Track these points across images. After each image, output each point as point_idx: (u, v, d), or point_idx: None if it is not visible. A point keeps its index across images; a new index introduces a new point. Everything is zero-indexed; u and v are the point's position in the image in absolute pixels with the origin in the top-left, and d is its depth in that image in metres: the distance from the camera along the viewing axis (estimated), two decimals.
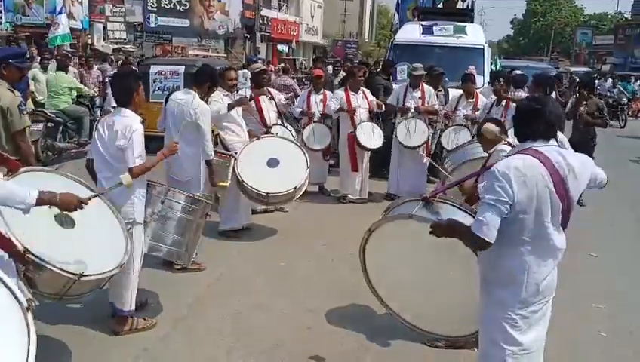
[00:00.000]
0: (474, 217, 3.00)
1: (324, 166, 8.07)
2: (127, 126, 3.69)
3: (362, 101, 7.58)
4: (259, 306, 4.57)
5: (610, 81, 22.30)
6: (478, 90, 8.05)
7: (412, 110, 7.67)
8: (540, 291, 2.62)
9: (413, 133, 7.59)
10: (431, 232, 2.76)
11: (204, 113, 4.97)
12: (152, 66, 10.46)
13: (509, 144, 3.80)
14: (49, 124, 9.10)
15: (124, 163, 3.68)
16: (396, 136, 7.72)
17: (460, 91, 7.95)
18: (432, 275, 3.30)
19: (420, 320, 3.72)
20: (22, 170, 3.03)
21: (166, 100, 5.20)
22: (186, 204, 4.13)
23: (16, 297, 2.27)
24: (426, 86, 7.92)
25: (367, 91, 7.79)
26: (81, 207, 2.98)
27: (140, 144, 3.69)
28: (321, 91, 8.05)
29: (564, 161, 2.57)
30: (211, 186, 5.22)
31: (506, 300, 2.63)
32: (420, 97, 7.76)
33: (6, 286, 2.29)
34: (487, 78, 9.56)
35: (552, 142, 2.64)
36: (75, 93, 10.08)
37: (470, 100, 7.74)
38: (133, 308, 3.99)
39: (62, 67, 10.28)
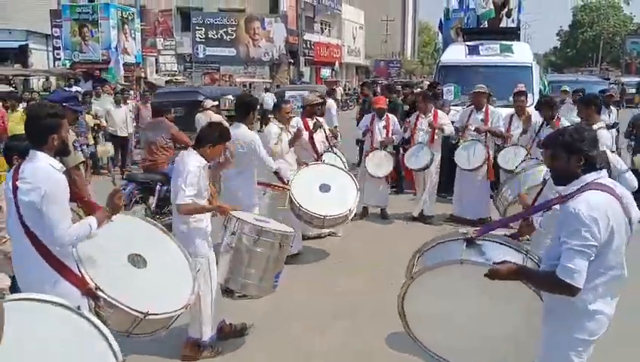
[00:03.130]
0: (519, 251, 2.97)
1: (385, 189, 8.21)
2: (185, 165, 3.89)
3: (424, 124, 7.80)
4: (318, 331, 4.67)
5: None
6: (528, 108, 7.99)
7: (472, 131, 7.68)
8: (607, 323, 2.63)
9: (472, 156, 7.57)
10: (486, 275, 2.68)
11: (255, 140, 5.22)
12: (286, 92, 14.31)
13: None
14: None
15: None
16: (455, 160, 7.76)
17: (510, 111, 7.91)
18: (480, 318, 3.17)
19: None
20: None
21: None
22: (252, 236, 4.13)
23: (114, 351, 2.48)
24: (491, 108, 7.87)
25: (441, 114, 7.97)
26: (120, 199, 3.16)
27: (192, 184, 3.83)
28: (384, 117, 8.10)
29: (618, 189, 2.60)
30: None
31: (574, 332, 2.62)
32: (482, 119, 7.72)
33: (106, 340, 2.50)
34: (536, 97, 9.45)
35: (604, 171, 2.64)
36: None
37: (523, 119, 7.61)
38: (203, 337, 4.13)
39: None
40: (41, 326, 2.40)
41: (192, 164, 3.88)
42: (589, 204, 2.47)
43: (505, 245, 3.06)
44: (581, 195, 2.54)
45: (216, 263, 4.17)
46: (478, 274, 2.72)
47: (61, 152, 3.04)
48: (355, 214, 6.42)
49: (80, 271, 3.02)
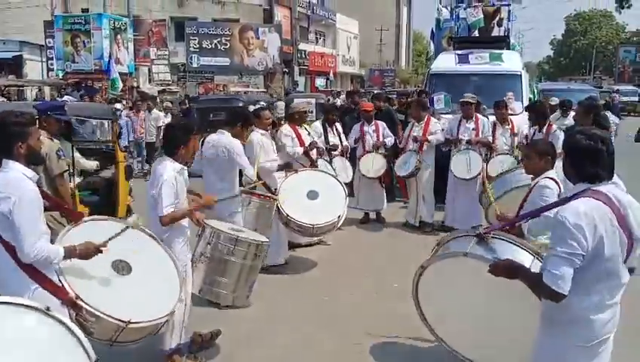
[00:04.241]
0: (530, 254, 2.98)
1: (380, 192, 8.26)
2: (159, 175, 3.79)
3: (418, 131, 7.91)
4: (305, 342, 4.63)
5: None
6: (512, 117, 8.12)
7: (464, 142, 7.67)
8: (607, 328, 2.59)
9: (468, 165, 7.51)
10: (489, 271, 2.70)
11: (236, 148, 5.21)
12: (294, 100, 14.70)
13: (553, 179, 3.79)
14: None
15: (154, 211, 3.79)
16: (451, 170, 7.70)
17: (492, 118, 8.00)
18: (490, 312, 3.16)
19: (480, 358, 3.63)
20: (84, 219, 3.21)
21: (202, 144, 5.38)
22: (227, 245, 4.09)
23: (88, 354, 2.43)
24: (480, 116, 7.90)
25: (434, 121, 8.09)
26: (100, 252, 3.09)
27: (169, 194, 3.75)
28: (373, 122, 8.18)
29: (622, 198, 2.55)
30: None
31: (572, 339, 2.60)
32: (473, 128, 7.73)
33: (81, 344, 2.45)
34: (525, 104, 9.49)
35: (609, 182, 2.59)
36: None
37: (506, 127, 7.82)
38: (173, 346, 4.01)
39: None
40: (8, 329, 2.36)
41: (167, 172, 3.78)
42: (577, 211, 2.45)
43: (516, 245, 3.09)
44: (572, 202, 2.54)
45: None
46: (483, 268, 2.75)
47: (33, 161, 3.00)
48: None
49: (60, 280, 2.99)
